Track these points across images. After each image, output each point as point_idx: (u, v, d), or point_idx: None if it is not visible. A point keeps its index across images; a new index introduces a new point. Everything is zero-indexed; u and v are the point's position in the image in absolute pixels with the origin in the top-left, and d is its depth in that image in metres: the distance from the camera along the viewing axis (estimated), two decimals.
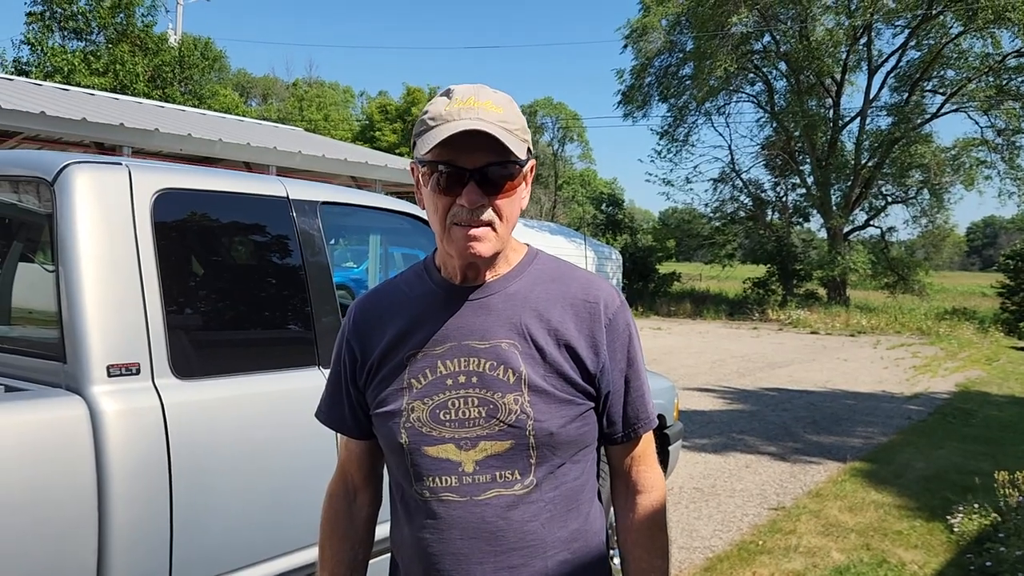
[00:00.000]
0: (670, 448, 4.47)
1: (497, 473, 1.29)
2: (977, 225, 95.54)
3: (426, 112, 1.29)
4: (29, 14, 22.96)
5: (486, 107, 1.27)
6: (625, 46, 28.80)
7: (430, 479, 1.31)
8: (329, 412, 1.50)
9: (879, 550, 4.76)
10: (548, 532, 1.31)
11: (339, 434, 1.52)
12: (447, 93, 1.30)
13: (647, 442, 1.44)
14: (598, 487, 1.44)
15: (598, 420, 1.38)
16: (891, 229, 27.32)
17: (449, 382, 1.31)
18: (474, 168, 1.26)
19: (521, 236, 1.43)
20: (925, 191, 25.52)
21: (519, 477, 1.30)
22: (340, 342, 1.47)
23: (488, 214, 1.28)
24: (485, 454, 1.29)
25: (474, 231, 1.27)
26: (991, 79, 22.86)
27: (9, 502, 1.93)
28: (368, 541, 1.53)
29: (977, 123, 24.18)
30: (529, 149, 1.34)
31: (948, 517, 5.21)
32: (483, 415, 1.29)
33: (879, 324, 20.95)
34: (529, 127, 1.36)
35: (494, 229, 1.29)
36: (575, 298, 1.36)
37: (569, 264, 1.44)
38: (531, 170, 1.37)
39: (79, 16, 22.89)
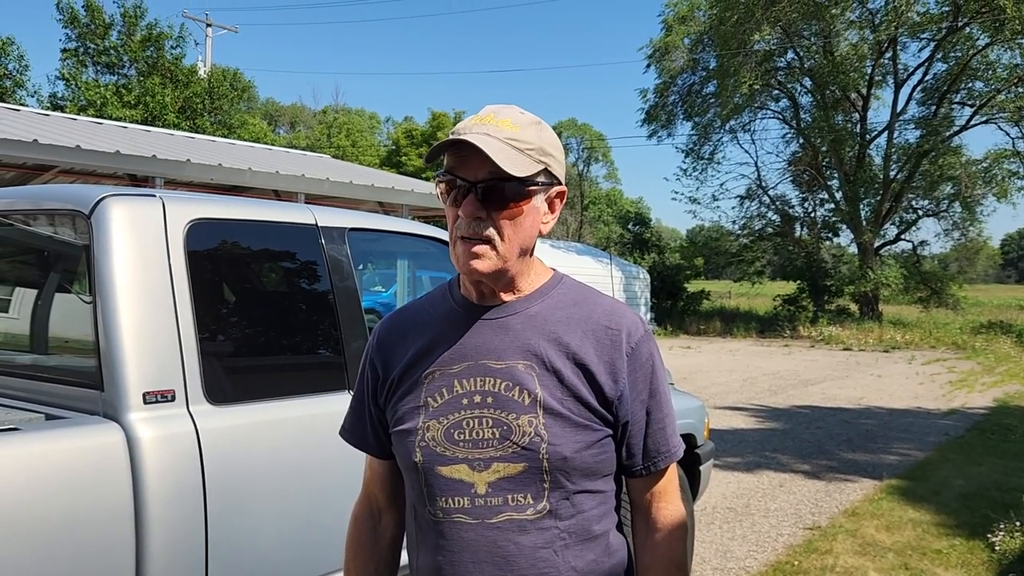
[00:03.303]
0: (701, 468, 4.43)
1: (509, 496, 1.27)
2: (1012, 237, 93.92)
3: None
4: (64, 50, 23.62)
5: (502, 124, 1.28)
6: (648, 66, 28.87)
7: (443, 499, 1.30)
8: (352, 430, 1.51)
9: (918, 570, 4.67)
10: (562, 560, 1.28)
11: (369, 458, 1.53)
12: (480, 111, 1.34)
13: (669, 478, 1.40)
14: (620, 519, 1.41)
15: (616, 450, 1.35)
16: (923, 243, 26.93)
17: (465, 401, 1.31)
18: (475, 181, 1.27)
19: (547, 257, 1.44)
20: (957, 204, 25.14)
21: (531, 502, 1.28)
22: (364, 360, 1.49)
23: (488, 230, 1.28)
24: (498, 476, 1.28)
25: (473, 247, 1.28)
26: (1021, 89, 22.56)
27: (50, 527, 1.97)
28: (393, 563, 1.53)
29: (1008, 134, 23.87)
30: (549, 171, 1.33)
31: (989, 535, 5.10)
32: (497, 436, 1.28)
33: (913, 339, 20.62)
34: None
35: (494, 247, 1.28)
36: (597, 324, 1.34)
37: (594, 290, 1.43)
38: (560, 197, 1.37)
39: (111, 51, 23.48)
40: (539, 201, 1.33)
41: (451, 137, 1.27)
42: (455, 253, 1.30)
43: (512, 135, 1.28)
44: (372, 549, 1.51)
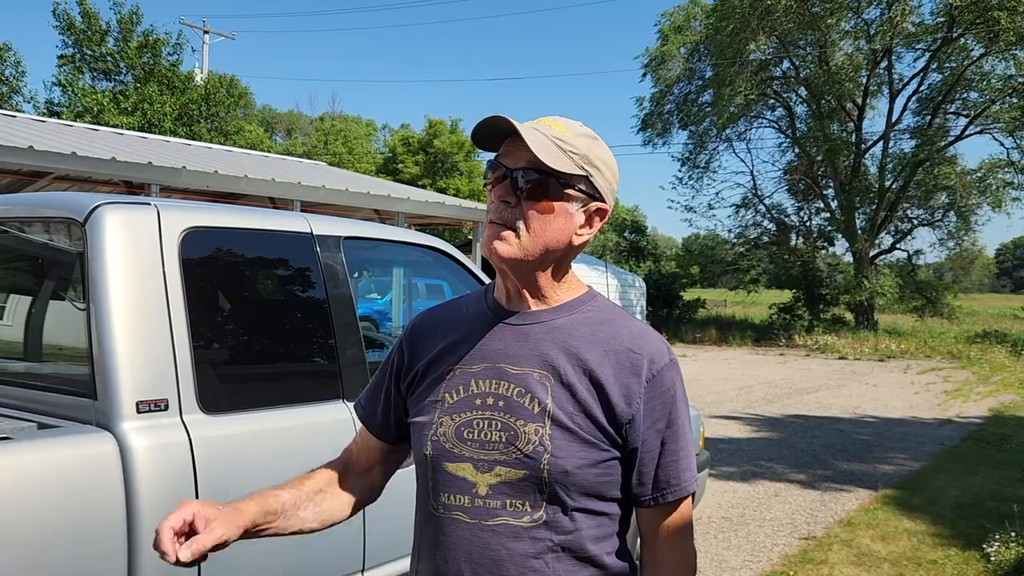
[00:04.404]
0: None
1: (508, 501, 1.28)
2: (1007, 246, 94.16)
3: None
4: (60, 56, 23.59)
5: (555, 126, 1.31)
6: (644, 74, 28.94)
7: (445, 495, 1.32)
8: (365, 406, 1.55)
9: None
10: (552, 572, 1.28)
11: (364, 428, 1.56)
12: None
13: (680, 515, 1.37)
14: (625, 546, 1.38)
15: (626, 476, 1.33)
16: (918, 252, 26.92)
17: (478, 402, 1.33)
18: (513, 167, 1.29)
19: None
20: (951, 213, 25.22)
21: (529, 509, 1.28)
22: (394, 345, 1.52)
23: (514, 217, 1.30)
24: (499, 479, 1.29)
25: (498, 230, 1.30)
26: (1015, 100, 22.66)
27: (42, 537, 1.96)
28: (319, 505, 1.46)
29: (1003, 144, 23.95)
30: (591, 182, 1.33)
31: (984, 546, 5.10)
32: (503, 440, 1.29)
33: (908, 348, 20.65)
34: None
35: (517, 235, 1.30)
36: (620, 346, 1.33)
37: (625, 313, 1.42)
38: (600, 215, 1.36)
39: (108, 57, 23.45)
40: (574, 208, 1.33)
41: (491, 115, 1.29)
42: (484, 233, 1.34)
43: (560, 135, 1.30)
44: (319, 480, 1.49)
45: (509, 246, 1.30)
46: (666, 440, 1.33)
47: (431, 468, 1.34)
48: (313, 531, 1.45)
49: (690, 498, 1.38)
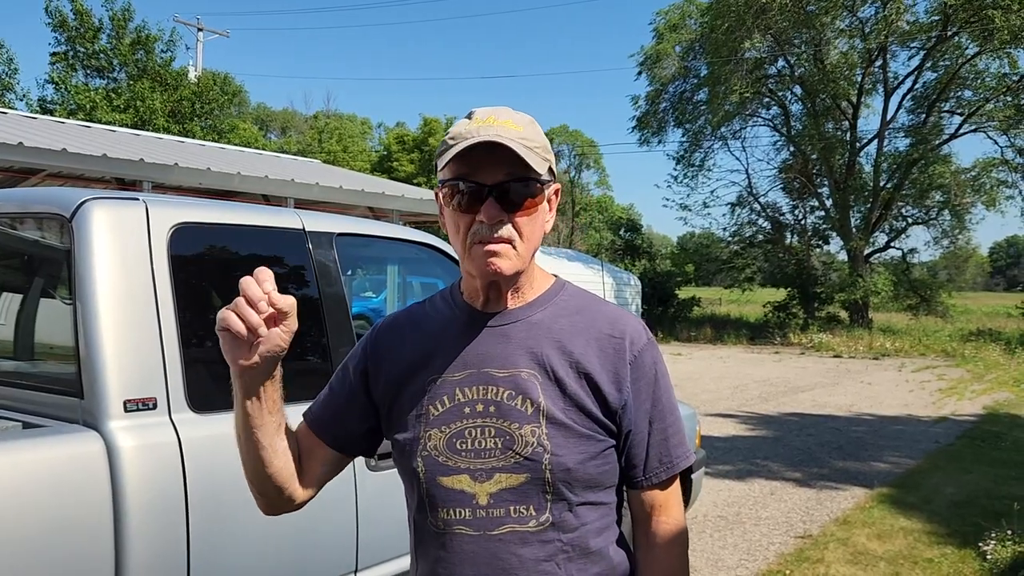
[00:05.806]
0: (693, 476, 4.40)
1: (511, 508, 1.25)
2: (1000, 245, 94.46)
3: (448, 133, 1.29)
4: (53, 54, 23.49)
5: (506, 125, 1.26)
6: (639, 73, 28.98)
7: (444, 511, 1.28)
8: (318, 414, 1.42)
9: None
10: (565, 573, 1.26)
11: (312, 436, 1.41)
12: (469, 115, 1.30)
13: (671, 491, 1.37)
14: (621, 532, 1.38)
15: (619, 460, 1.33)
16: (912, 250, 26.99)
17: (467, 410, 1.28)
18: (493, 183, 1.24)
19: (539, 263, 1.41)
20: (946, 212, 25.29)
21: (534, 513, 1.25)
22: (355, 352, 1.43)
23: (508, 231, 1.25)
24: (500, 487, 1.25)
25: (494, 247, 1.25)
26: (1009, 99, 22.70)
27: (28, 538, 1.93)
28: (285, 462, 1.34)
29: (997, 143, 24.02)
30: (552, 170, 1.32)
31: (980, 544, 5.08)
32: (499, 446, 1.26)
33: (903, 346, 20.66)
34: None
35: (514, 247, 1.26)
36: (600, 332, 1.32)
37: (596, 298, 1.41)
38: (556, 194, 1.36)
39: (101, 54, 23.36)
40: (544, 199, 1.32)
41: (476, 139, 1.22)
42: (471, 257, 1.27)
43: (521, 135, 1.26)
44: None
45: (511, 261, 1.27)
46: (653, 419, 1.34)
47: (425, 484, 1.29)
48: (265, 466, 1.31)
49: (679, 475, 1.38)
